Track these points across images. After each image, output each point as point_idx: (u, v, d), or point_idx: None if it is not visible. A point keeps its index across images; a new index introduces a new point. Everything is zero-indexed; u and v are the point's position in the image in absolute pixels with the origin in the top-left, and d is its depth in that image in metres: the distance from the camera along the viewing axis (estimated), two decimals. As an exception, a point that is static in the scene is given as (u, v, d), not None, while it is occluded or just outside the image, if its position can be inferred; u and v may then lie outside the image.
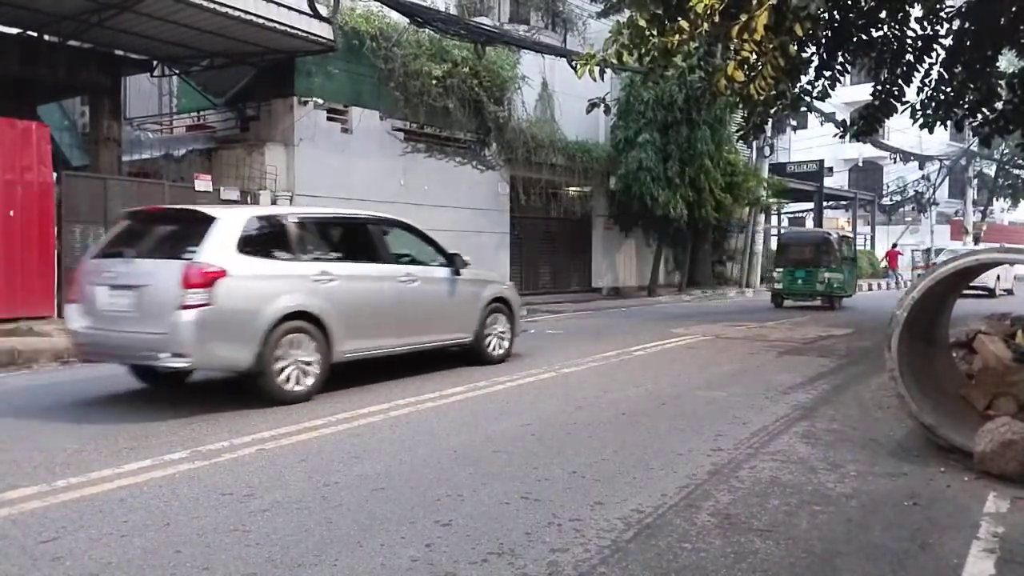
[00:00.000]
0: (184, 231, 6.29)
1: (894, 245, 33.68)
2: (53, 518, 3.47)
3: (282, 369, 6.06)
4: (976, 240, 39.38)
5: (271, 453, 4.58)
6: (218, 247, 5.91)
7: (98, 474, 4.11)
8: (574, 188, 20.33)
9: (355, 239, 7.49)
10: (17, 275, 10.10)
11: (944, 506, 3.78)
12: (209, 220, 6.08)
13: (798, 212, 38.19)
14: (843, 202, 37.74)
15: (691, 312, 16.09)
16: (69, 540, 3.21)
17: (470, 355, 8.18)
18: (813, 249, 17.33)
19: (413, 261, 7.79)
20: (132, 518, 3.47)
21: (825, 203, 33.30)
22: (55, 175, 10.60)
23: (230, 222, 6.17)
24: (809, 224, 35.55)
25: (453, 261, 7.99)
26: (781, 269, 17.54)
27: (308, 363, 6.25)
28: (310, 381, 6.26)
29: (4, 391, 6.72)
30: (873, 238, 36.65)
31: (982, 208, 44.68)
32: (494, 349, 8.35)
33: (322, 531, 3.34)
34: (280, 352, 6.04)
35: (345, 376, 6.74)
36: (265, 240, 6.39)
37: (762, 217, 26.43)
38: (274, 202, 13.22)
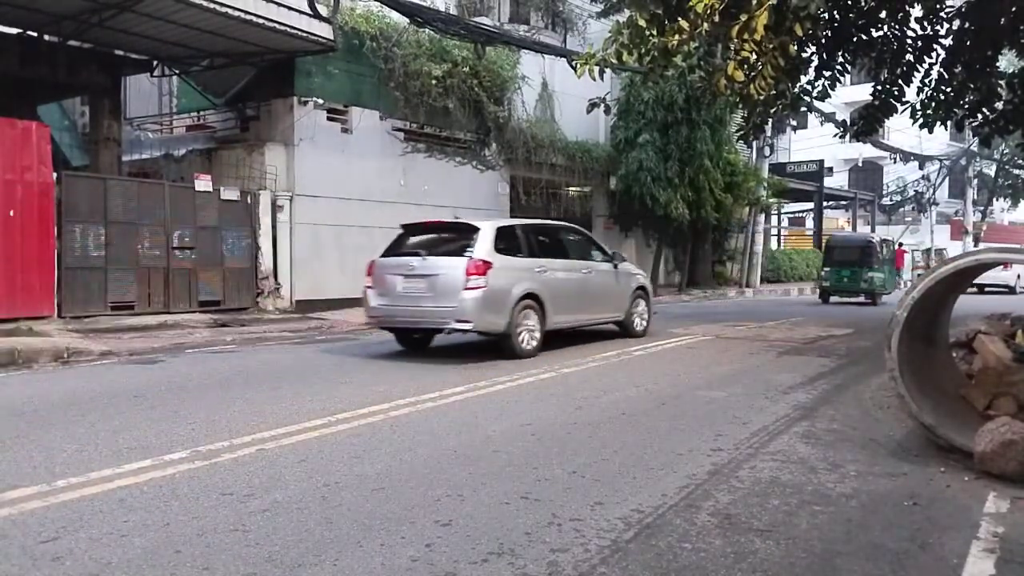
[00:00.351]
0: (457, 237, 8.86)
1: (900, 244, 33.86)
2: (53, 518, 3.46)
3: (520, 333, 8.54)
4: (976, 240, 39.39)
5: (271, 453, 4.58)
6: (485, 247, 8.44)
7: (98, 474, 4.11)
8: (574, 188, 20.33)
9: (553, 241, 10.06)
10: (17, 275, 10.11)
11: (944, 506, 3.78)
12: (476, 229, 8.66)
13: (798, 212, 38.21)
14: (843, 202, 37.73)
15: (691, 312, 16.09)
16: (69, 540, 3.21)
17: (622, 330, 10.67)
18: (858, 251, 19.29)
19: (583, 257, 10.21)
20: (132, 518, 3.47)
21: (825, 203, 33.32)
22: (55, 175, 10.62)
23: (488, 229, 8.69)
24: (809, 224, 35.63)
25: (612, 258, 10.51)
26: (828, 268, 19.51)
27: (533, 330, 8.73)
28: (534, 343, 8.73)
29: (4, 391, 6.71)
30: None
31: (982, 208, 44.67)
32: (637, 326, 10.76)
33: (322, 531, 3.34)
34: (519, 321, 8.52)
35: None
36: (507, 242, 8.85)
37: (762, 217, 26.41)
38: (274, 202, 13.24)
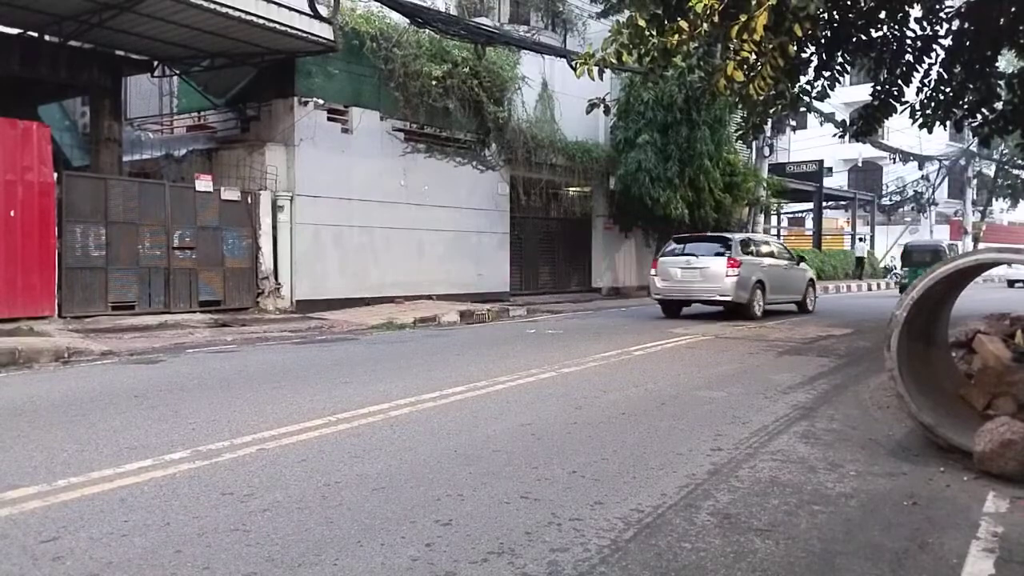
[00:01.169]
0: (716, 243, 14.19)
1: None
2: (53, 518, 3.47)
3: (753, 304, 13.74)
4: (975, 240, 39.43)
5: (271, 453, 4.58)
6: (736, 250, 13.73)
7: (99, 474, 4.11)
8: (574, 188, 20.34)
9: (765, 246, 15.24)
10: (18, 275, 10.11)
11: (944, 506, 3.78)
12: (728, 239, 14.20)
13: (798, 212, 38.23)
14: (842, 202, 37.76)
15: (691, 312, 16.08)
16: (69, 540, 3.22)
17: (799, 308, 15.64)
18: (930, 254, 24.24)
19: (781, 258, 15.30)
20: (132, 518, 3.48)
21: (825, 203, 33.35)
22: (56, 175, 10.63)
23: (736, 239, 14.20)
24: (809, 224, 35.78)
25: (795, 257, 16.00)
26: (907, 268, 24.68)
27: (759, 303, 13.91)
28: (759, 311, 13.91)
29: (4, 391, 6.72)
30: (873, 238, 36.72)
31: (981, 208, 44.69)
32: (809, 305, 15.81)
33: (322, 531, 3.34)
34: (753, 296, 13.71)
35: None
36: (745, 247, 14.12)
37: (761, 217, 26.42)
38: (275, 202, 13.25)
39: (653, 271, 14.45)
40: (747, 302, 13.57)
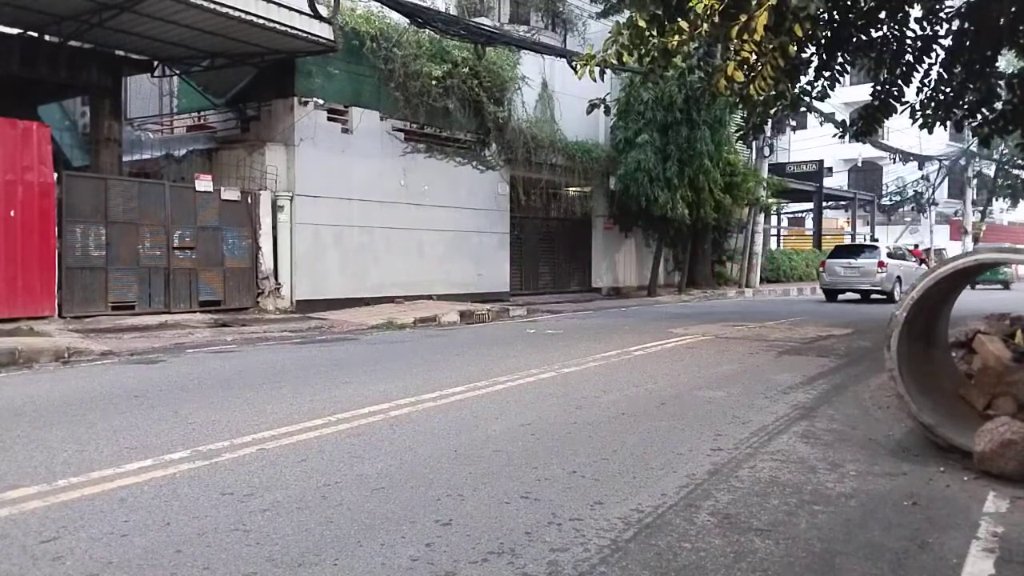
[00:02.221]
0: (867, 249, 20.95)
1: (916, 246, 34.77)
2: (54, 518, 3.47)
3: (893, 291, 19.27)
4: (975, 240, 39.46)
5: (272, 453, 4.58)
6: (884, 254, 20.33)
7: (99, 473, 4.11)
8: (574, 188, 20.34)
9: (899, 251, 22.40)
10: (18, 275, 10.12)
11: (944, 506, 3.78)
12: (878, 246, 21.48)
13: (798, 212, 38.24)
14: (842, 202, 37.78)
15: (691, 312, 16.10)
16: (70, 539, 3.21)
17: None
18: None
19: (907, 259, 21.56)
20: (132, 518, 3.48)
21: (825, 203, 33.38)
22: (56, 175, 10.63)
23: (882, 247, 21.66)
24: (809, 224, 35.85)
25: (919, 261, 22.35)
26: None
27: (898, 292, 18.50)
28: (897, 297, 15.24)
29: (4, 391, 6.72)
30: (872, 239, 36.76)
31: (981, 208, 44.70)
32: None
33: (322, 531, 3.34)
34: (894, 288, 19.40)
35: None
36: (890, 251, 21.30)
37: (761, 217, 26.43)
38: (275, 202, 13.25)
39: (821, 268, 20.78)
40: (890, 292, 19.19)
